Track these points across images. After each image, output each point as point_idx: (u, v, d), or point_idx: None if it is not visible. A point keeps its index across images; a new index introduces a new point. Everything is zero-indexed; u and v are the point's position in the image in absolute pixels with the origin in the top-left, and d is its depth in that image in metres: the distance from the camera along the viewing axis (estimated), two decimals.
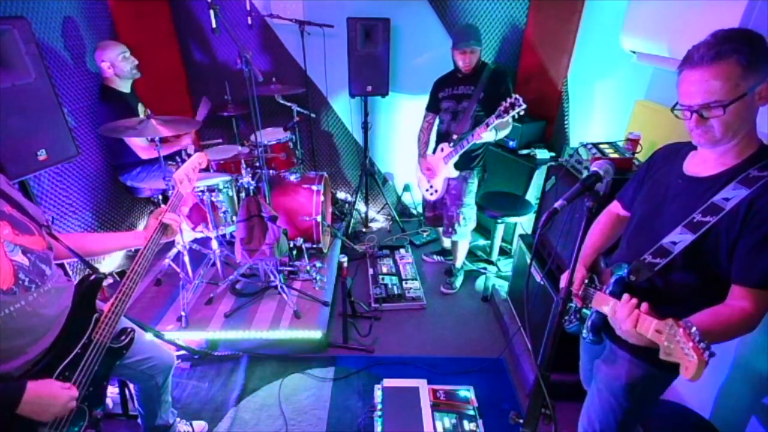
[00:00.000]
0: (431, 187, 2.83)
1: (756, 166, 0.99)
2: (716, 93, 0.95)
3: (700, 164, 1.11)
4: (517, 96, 2.19)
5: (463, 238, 2.85)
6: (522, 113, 2.22)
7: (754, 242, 0.95)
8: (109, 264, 3.01)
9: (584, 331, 1.25)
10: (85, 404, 1.18)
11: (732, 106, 0.95)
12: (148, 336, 1.52)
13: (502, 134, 2.49)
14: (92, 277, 1.24)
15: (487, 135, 2.38)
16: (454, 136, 2.54)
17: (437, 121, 2.75)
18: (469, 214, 2.75)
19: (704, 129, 1.00)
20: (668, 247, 1.07)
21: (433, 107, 2.75)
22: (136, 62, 2.63)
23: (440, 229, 3.06)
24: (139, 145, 2.58)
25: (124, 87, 2.64)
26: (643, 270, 1.11)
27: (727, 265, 1.00)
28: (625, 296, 1.02)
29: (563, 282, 1.22)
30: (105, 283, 1.33)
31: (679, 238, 1.05)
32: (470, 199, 2.72)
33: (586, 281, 1.28)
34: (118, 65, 2.53)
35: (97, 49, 2.53)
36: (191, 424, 1.96)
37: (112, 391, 1.95)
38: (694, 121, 1.00)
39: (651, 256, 1.10)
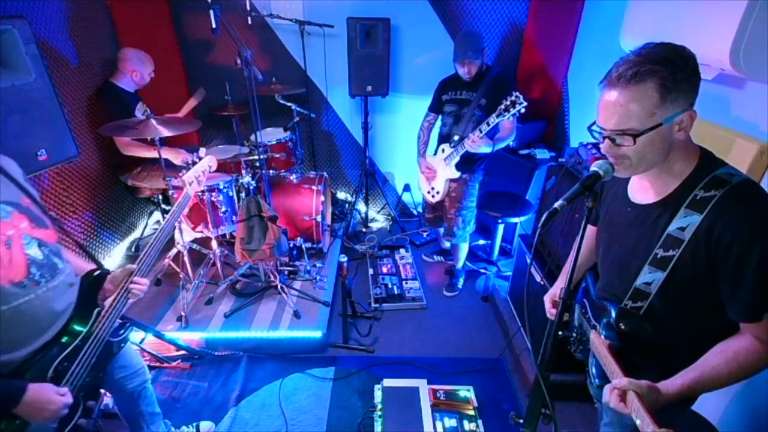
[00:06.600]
0: (432, 188, 2.82)
1: (701, 186, 0.92)
2: (629, 120, 0.88)
3: (643, 189, 1.05)
4: (518, 94, 2.15)
5: (463, 242, 2.85)
6: (523, 111, 2.18)
7: (727, 277, 0.89)
8: (109, 264, 3.01)
9: (592, 377, 1.20)
10: (81, 394, 1.20)
11: (644, 137, 0.87)
12: (127, 346, 1.51)
13: (500, 145, 2.46)
14: (97, 272, 1.27)
15: (483, 147, 2.37)
16: (456, 137, 2.54)
17: (439, 123, 2.74)
18: (468, 217, 2.74)
19: (619, 157, 0.94)
20: (643, 289, 1.02)
21: (435, 108, 2.73)
22: (153, 75, 2.79)
23: (441, 230, 3.06)
24: (122, 140, 2.60)
25: (129, 87, 2.71)
26: (629, 317, 1.07)
27: (707, 293, 0.95)
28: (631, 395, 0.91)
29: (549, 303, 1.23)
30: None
31: (651, 278, 1.00)
32: (470, 202, 2.71)
33: (582, 310, 1.26)
34: (146, 78, 2.73)
35: (134, 58, 2.64)
36: (197, 427, 1.96)
37: None
38: (606, 147, 0.95)
39: (631, 301, 1.06)
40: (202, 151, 2.30)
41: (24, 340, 1.10)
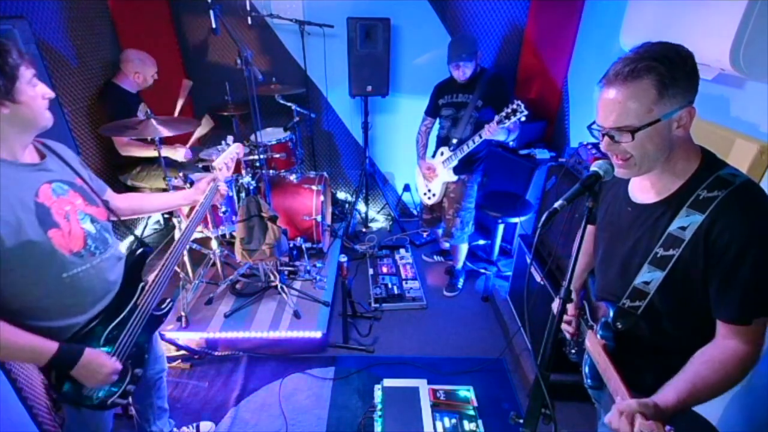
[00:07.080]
0: (429, 191, 2.82)
1: (704, 185, 0.92)
2: (628, 117, 0.88)
3: (644, 189, 1.04)
4: (519, 102, 2.16)
5: (461, 243, 2.85)
6: (523, 119, 2.20)
7: (721, 276, 0.89)
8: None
9: (584, 377, 1.19)
10: (129, 362, 1.29)
11: (642, 133, 0.88)
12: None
13: (513, 136, 2.45)
14: (140, 250, 1.39)
15: (498, 134, 2.33)
16: (454, 141, 2.54)
17: (437, 125, 2.74)
18: (467, 218, 2.74)
19: (621, 156, 0.94)
20: (642, 288, 1.02)
21: (432, 112, 2.74)
22: (156, 77, 2.78)
23: (439, 231, 3.06)
24: (120, 141, 2.60)
25: (131, 88, 2.71)
26: (627, 316, 1.06)
27: (705, 293, 0.94)
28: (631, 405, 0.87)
29: (555, 306, 1.21)
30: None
31: (650, 277, 1.00)
32: (469, 203, 2.71)
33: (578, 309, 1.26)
34: (148, 80, 2.73)
35: (136, 60, 2.63)
36: (197, 427, 1.96)
37: None
38: (605, 144, 0.95)
39: (629, 301, 1.05)
40: (230, 138, 2.35)
41: (83, 306, 1.20)
